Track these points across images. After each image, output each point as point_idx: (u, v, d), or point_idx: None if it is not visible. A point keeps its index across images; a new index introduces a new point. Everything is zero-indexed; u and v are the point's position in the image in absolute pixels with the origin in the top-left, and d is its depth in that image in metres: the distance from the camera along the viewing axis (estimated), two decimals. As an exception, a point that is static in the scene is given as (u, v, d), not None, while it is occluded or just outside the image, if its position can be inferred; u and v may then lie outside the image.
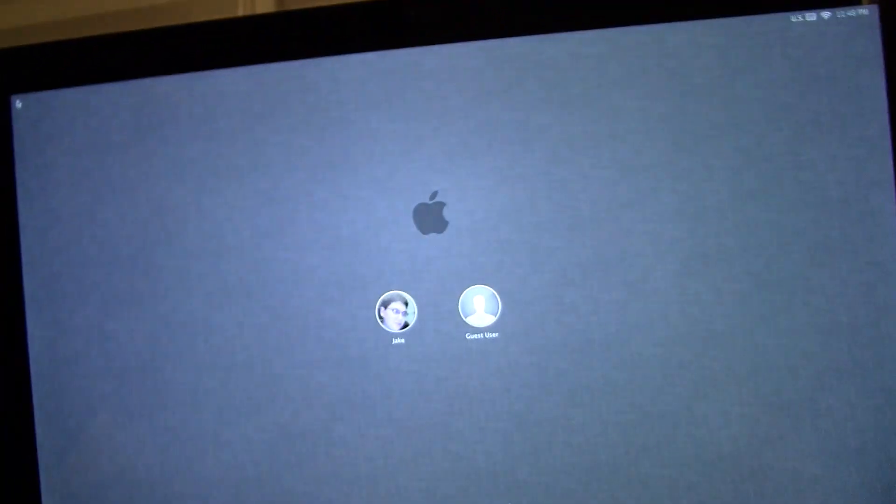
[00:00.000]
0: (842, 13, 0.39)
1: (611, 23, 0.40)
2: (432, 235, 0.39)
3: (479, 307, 0.39)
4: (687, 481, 0.39)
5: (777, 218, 0.39)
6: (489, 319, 0.39)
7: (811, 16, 0.39)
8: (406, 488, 0.40)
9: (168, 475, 0.41)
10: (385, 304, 0.40)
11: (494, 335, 0.39)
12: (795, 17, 0.39)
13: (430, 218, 0.39)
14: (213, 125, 0.41)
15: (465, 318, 0.39)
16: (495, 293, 0.39)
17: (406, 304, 0.39)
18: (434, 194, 0.39)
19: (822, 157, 0.39)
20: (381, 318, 0.40)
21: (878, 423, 0.38)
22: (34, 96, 0.43)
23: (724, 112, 0.39)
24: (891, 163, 0.38)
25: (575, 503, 0.39)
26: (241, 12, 0.52)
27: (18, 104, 0.43)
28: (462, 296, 0.39)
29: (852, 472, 0.39)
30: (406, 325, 0.39)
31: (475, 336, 0.39)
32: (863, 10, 0.39)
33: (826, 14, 0.39)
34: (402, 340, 0.40)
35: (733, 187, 0.39)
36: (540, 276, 0.39)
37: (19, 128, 0.43)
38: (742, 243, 0.39)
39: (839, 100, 0.39)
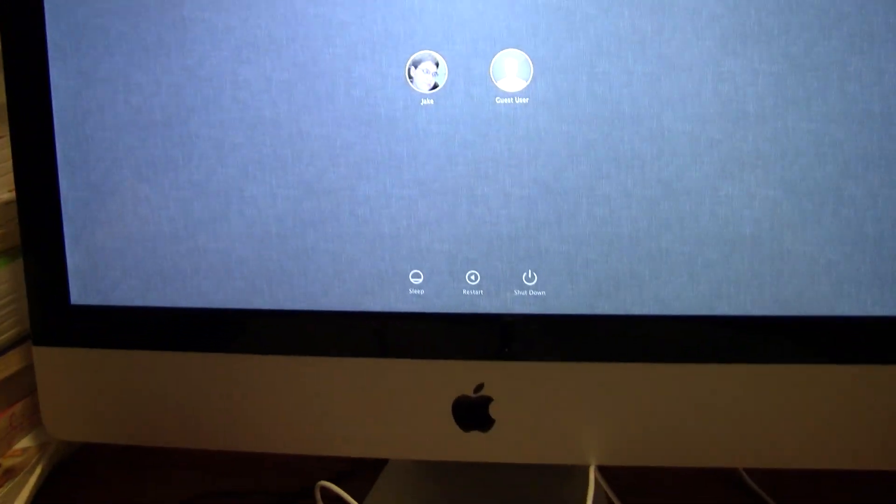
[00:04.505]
0: None
1: None
2: (468, -5, 0.39)
3: (511, 71, 0.39)
4: (706, 258, 0.39)
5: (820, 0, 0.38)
6: (520, 84, 0.39)
7: None
8: (429, 250, 0.40)
9: (191, 229, 0.41)
10: (415, 64, 0.39)
11: (524, 101, 0.39)
12: None
13: (467, -23, 0.38)
14: None
15: (496, 81, 0.39)
16: (528, 58, 0.39)
17: (437, 64, 0.39)
18: (474, -47, 0.38)
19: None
20: (410, 77, 0.39)
21: (898, 213, 0.39)
22: None
23: None
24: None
25: (593, 273, 0.40)
26: None
27: None
28: (494, 59, 0.39)
29: (866, 260, 0.39)
30: (436, 86, 0.39)
31: (505, 100, 0.39)
32: None
33: None
34: (431, 101, 0.39)
35: (780, -36, 0.38)
36: (575, 43, 0.38)
37: None
38: (782, 23, 0.38)
39: None
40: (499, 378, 0.41)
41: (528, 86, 0.39)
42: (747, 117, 0.39)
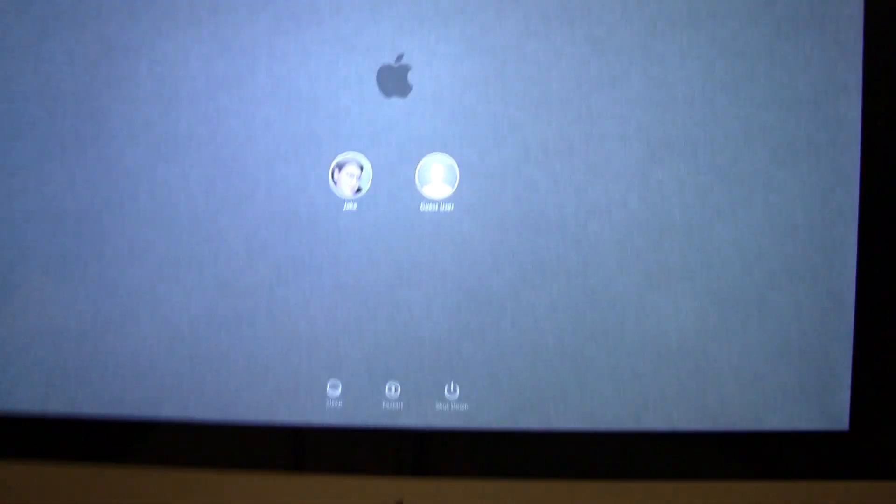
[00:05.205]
0: None
1: None
2: (394, 99, 0.38)
3: (437, 177, 0.38)
4: (632, 370, 0.39)
5: (745, 113, 0.38)
6: (446, 190, 0.38)
7: None
8: (348, 356, 0.38)
9: (100, 329, 0.39)
10: (339, 167, 0.38)
11: (449, 207, 0.38)
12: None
13: (393, 80, 0.38)
14: (172, -33, 0.39)
15: (421, 187, 0.38)
16: (454, 163, 0.38)
17: (361, 168, 0.38)
18: (400, 56, 0.38)
19: (797, 56, 0.38)
20: (334, 180, 0.38)
21: (823, 326, 0.39)
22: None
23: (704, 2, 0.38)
24: (860, 70, 0.38)
25: (517, 385, 0.38)
26: None
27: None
28: (420, 164, 0.38)
29: (793, 373, 0.39)
30: (359, 190, 0.38)
31: (430, 206, 0.38)
32: None
33: None
34: (354, 206, 0.38)
35: (705, 77, 0.38)
36: (501, 149, 0.38)
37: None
38: (709, 135, 0.38)
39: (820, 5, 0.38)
40: (419, 495, 0.39)
41: (453, 192, 0.38)
42: (674, 227, 0.38)
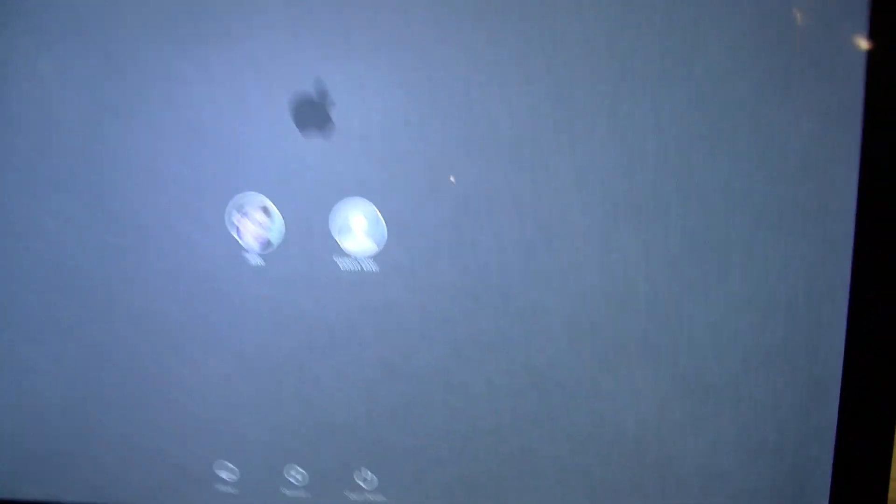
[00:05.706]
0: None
1: None
2: (312, 136, 0.32)
3: (359, 231, 0.32)
4: (581, 464, 0.33)
5: (724, 174, 0.33)
6: (369, 246, 0.32)
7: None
8: (248, 438, 0.33)
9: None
10: (244, 213, 0.32)
11: (373, 266, 0.32)
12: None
13: (312, 114, 0.32)
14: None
15: (341, 241, 0.32)
16: (380, 216, 0.32)
17: (270, 215, 0.32)
18: (321, 87, 0.32)
19: (786, 112, 0.32)
20: (237, 229, 0.32)
21: (803, 420, 0.33)
22: None
23: (682, 43, 0.32)
24: (860, 129, 0.33)
25: (446, 474, 0.33)
26: None
27: None
28: (340, 214, 0.32)
29: (766, 473, 0.34)
30: (267, 243, 0.32)
31: (349, 264, 0.32)
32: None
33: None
34: (261, 260, 0.32)
35: (682, 129, 0.32)
36: (437, 202, 0.32)
37: None
38: (682, 196, 0.33)
39: (816, 56, 0.32)
40: None
41: (378, 249, 0.32)
42: (637, 301, 0.33)
